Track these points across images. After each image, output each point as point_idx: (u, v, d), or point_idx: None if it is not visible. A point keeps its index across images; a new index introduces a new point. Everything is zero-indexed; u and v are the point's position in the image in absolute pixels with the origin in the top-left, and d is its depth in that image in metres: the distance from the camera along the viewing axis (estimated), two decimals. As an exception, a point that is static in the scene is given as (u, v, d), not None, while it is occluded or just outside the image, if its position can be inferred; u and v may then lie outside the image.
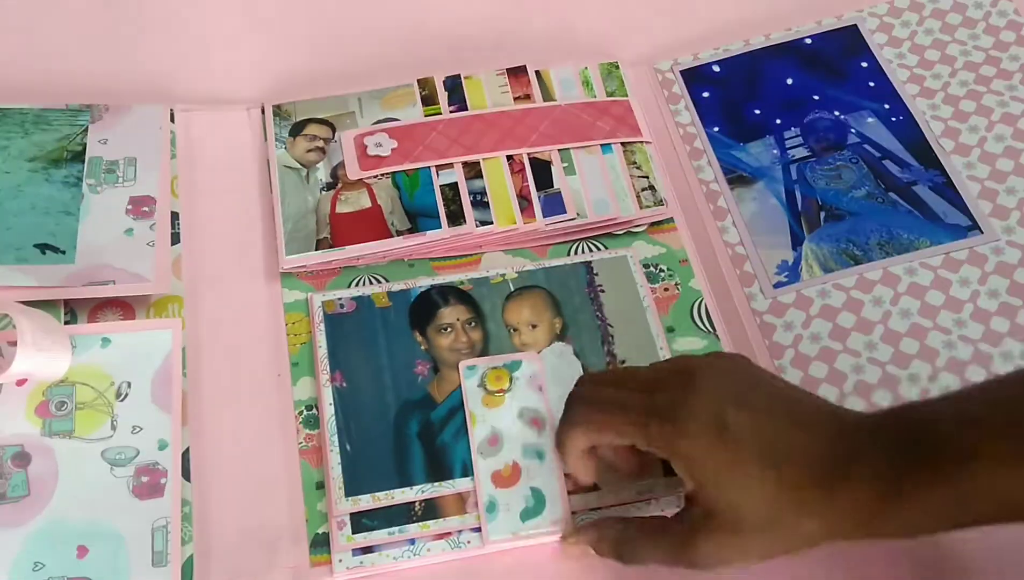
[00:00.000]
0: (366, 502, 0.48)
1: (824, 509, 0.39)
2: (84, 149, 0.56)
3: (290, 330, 0.53)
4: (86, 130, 0.57)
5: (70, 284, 0.51)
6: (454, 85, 0.62)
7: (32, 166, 0.55)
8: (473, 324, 0.54)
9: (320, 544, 0.47)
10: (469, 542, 0.48)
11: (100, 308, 0.52)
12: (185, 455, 0.48)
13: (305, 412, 0.51)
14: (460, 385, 0.51)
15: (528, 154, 0.59)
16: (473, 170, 0.59)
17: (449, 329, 0.53)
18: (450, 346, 0.53)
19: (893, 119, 0.61)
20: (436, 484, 0.48)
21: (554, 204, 0.58)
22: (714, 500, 0.40)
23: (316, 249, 0.55)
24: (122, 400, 0.49)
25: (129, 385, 0.50)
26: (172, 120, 0.59)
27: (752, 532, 0.40)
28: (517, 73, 0.63)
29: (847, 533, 0.39)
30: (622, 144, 0.60)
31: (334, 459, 0.49)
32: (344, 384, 0.51)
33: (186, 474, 0.48)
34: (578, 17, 0.68)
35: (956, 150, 0.59)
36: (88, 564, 0.44)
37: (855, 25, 0.65)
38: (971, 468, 0.37)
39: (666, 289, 0.56)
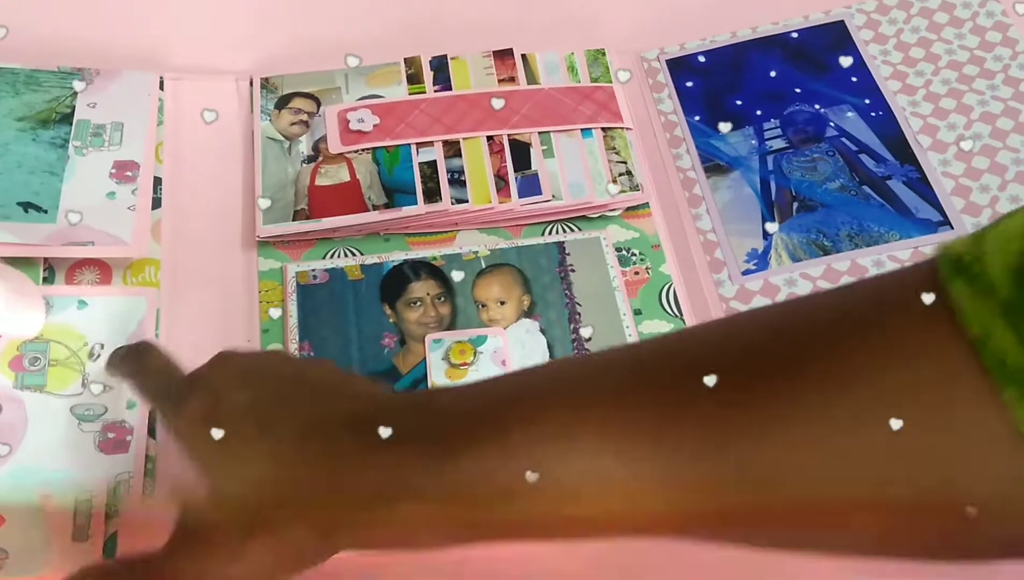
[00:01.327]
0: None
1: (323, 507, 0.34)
2: (73, 111, 0.58)
3: (263, 298, 0.54)
4: (76, 93, 0.58)
5: (50, 243, 0.52)
6: (440, 65, 0.63)
7: (20, 126, 0.56)
8: (443, 299, 0.54)
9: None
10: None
11: (78, 267, 0.53)
12: (152, 414, 0.49)
13: (273, 377, 0.52)
14: (425, 357, 0.52)
15: (508, 135, 0.60)
16: (453, 149, 0.59)
17: (419, 303, 0.54)
18: (418, 320, 0.54)
19: (872, 114, 0.61)
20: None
21: (530, 185, 0.58)
22: (205, 503, 0.35)
23: (294, 220, 0.56)
24: (94, 360, 0.50)
25: (102, 346, 0.51)
26: (161, 88, 0.60)
27: (238, 535, 0.34)
28: (503, 56, 0.64)
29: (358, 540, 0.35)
30: (603, 129, 0.61)
31: (297, 424, 0.50)
32: (312, 354, 0.52)
33: (152, 432, 0.49)
34: (567, 2, 0.68)
35: (933, 147, 0.59)
36: (49, 513, 0.46)
37: (842, 21, 0.66)
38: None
39: (636, 273, 0.56)
